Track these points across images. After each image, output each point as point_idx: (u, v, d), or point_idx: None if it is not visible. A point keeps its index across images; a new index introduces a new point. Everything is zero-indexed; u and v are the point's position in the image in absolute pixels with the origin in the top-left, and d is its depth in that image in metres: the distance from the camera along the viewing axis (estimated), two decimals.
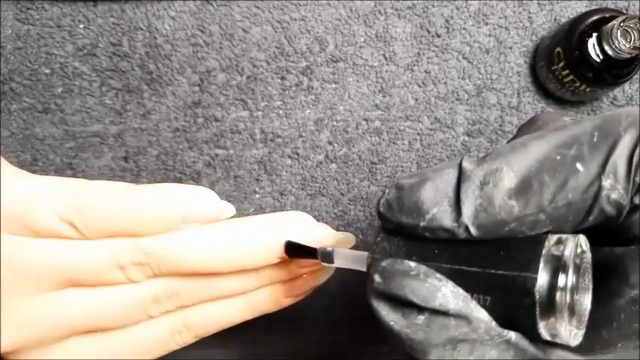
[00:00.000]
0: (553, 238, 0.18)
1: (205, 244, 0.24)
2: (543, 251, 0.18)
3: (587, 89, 0.33)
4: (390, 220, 0.20)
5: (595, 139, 0.18)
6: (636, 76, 0.35)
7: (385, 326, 0.18)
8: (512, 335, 0.18)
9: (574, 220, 0.18)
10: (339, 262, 0.24)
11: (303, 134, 0.36)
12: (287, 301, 0.27)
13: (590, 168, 0.18)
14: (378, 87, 0.36)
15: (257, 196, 0.36)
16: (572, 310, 0.18)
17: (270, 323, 0.38)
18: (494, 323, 0.18)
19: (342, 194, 0.36)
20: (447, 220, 0.19)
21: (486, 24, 0.36)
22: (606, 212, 0.18)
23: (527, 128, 0.23)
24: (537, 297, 0.18)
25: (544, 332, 0.18)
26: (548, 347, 0.19)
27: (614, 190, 0.18)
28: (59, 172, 0.35)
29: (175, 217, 0.23)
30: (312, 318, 0.38)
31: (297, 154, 0.36)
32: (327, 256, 0.24)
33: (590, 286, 0.19)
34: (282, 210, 0.37)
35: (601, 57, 0.32)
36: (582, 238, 0.19)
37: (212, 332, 0.26)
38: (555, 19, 0.36)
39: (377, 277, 0.19)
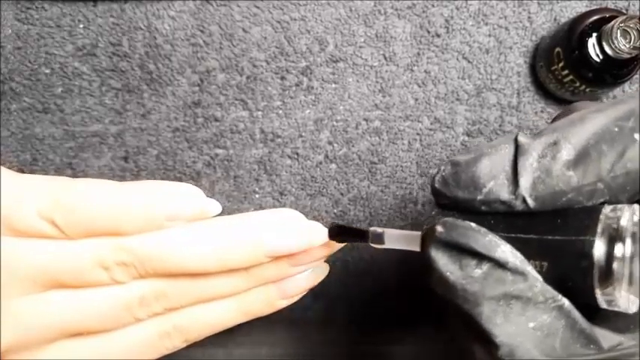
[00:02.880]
0: (609, 207, 0.19)
1: (191, 243, 0.23)
2: (601, 217, 0.18)
3: (587, 89, 0.33)
4: (446, 195, 0.20)
5: None
6: (636, 76, 0.35)
7: (441, 276, 0.18)
8: (566, 302, 0.18)
9: (631, 189, 0.18)
10: (389, 243, 0.23)
11: (303, 134, 0.36)
12: (280, 304, 0.27)
13: None
14: (377, 87, 0.36)
15: (257, 196, 0.36)
16: (630, 276, 0.18)
17: (270, 324, 0.38)
18: (549, 287, 0.18)
19: (342, 194, 0.36)
20: (504, 193, 0.19)
21: (486, 24, 0.36)
22: None
23: (564, 115, 0.23)
24: (595, 260, 0.18)
25: (601, 298, 0.18)
26: (596, 325, 0.19)
27: None
28: (59, 172, 0.35)
29: (159, 214, 0.23)
30: (312, 318, 0.38)
31: (297, 154, 0.36)
32: (378, 238, 0.23)
33: None
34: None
35: (601, 57, 0.32)
36: (638, 208, 0.19)
37: (203, 336, 0.26)
38: (555, 19, 0.36)
39: (440, 228, 0.19)
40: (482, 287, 0.18)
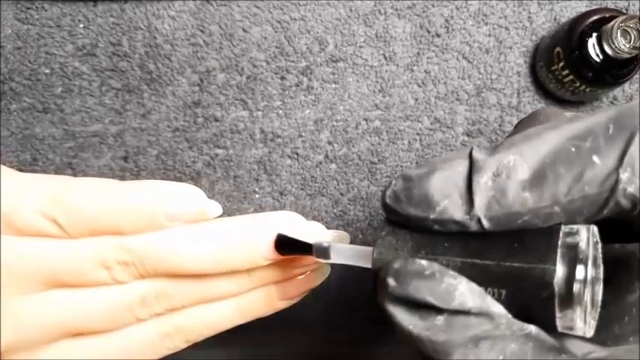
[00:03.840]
0: (567, 229, 0.18)
1: (191, 244, 0.23)
2: (559, 242, 0.18)
3: (587, 89, 0.33)
4: (397, 212, 0.19)
5: (610, 132, 0.18)
6: (636, 76, 0.35)
7: (403, 330, 0.18)
8: (532, 328, 0.18)
9: (588, 212, 0.18)
10: (336, 258, 0.23)
11: (303, 134, 0.36)
12: (281, 305, 0.27)
13: (607, 160, 0.17)
14: (377, 87, 0.36)
15: (257, 196, 0.36)
16: (590, 301, 0.18)
17: (269, 324, 0.38)
18: (512, 317, 0.18)
19: (342, 194, 0.36)
20: (458, 213, 0.18)
21: (486, 24, 0.36)
22: (621, 205, 0.18)
23: (527, 123, 0.22)
24: (556, 289, 0.17)
25: (560, 324, 0.18)
26: (564, 338, 0.18)
27: (630, 183, 0.17)
28: (59, 171, 0.35)
29: (160, 214, 0.22)
30: (311, 318, 0.38)
31: (297, 154, 0.36)
32: (323, 252, 0.22)
33: (601, 277, 0.19)
34: (282, 210, 0.37)
35: (601, 57, 0.32)
36: (595, 229, 0.18)
37: (204, 337, 0.26)
38: (555, 19, 0.36)
39: (391, 281, 0.18)
40: (448, 335, 0.17)
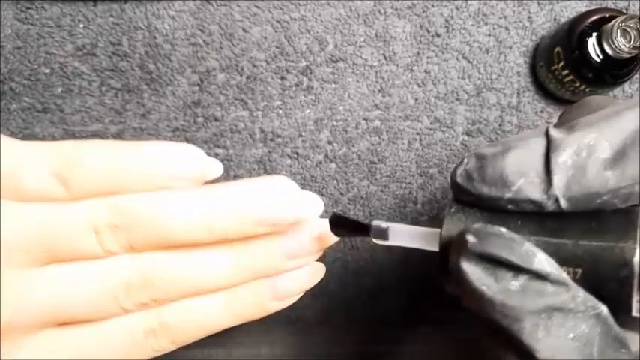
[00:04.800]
0: None
1: (181, 206, 0.22)
2: (639, 222, 0.17)
3: (587, 89, 0.33)
4: (469, 191, 0.19)
5: None
6: (636, 76, 0.35)
7: (475, 290, 0.17)
8: (604, 309, 0.17)
9: None
10: (396, 240, 0.22)
11: (303, 134, 0.36)
12: (273, 306, 0.26)
13: None
14: (377, 87, 0.36)
15: None
16: None
17: (269, 324, 0.38)
18: (590, 295, 0.17)
19: (342, 194, 0.36)
20: (535, 192, 0.18)
21: (486, 24, 0.36)
22: None
23: (578, 110, 0.22)
24: (637, 268, 0.17)
25: (636, 307, 0.17)
26: (624, 331, 0.18)
27: None
28: None
29: (162, 173, 0.22)
30: (311, 318, 0.38)
31: (297, 153, 0.36)
32: (382, 233, 0.22)
33: None
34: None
35: (601, 57, 0.32)
36: None
37: (191, 338, 0.25)
38: (555, 19, 0.36)
39: (471, 238, 0.17)
40: (522, 301, 0.17)
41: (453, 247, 0.18)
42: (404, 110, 0.36)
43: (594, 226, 0.18)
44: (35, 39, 0.34)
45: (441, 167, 0.36)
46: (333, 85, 0.36)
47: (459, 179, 0.19)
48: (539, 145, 0.18)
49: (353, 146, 0.36)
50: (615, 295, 0.17)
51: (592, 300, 0.17)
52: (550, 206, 0.18)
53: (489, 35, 0.36)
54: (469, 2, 0.36)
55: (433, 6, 0.36)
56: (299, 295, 0.26)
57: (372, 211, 0.37)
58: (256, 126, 0.36)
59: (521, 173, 0.18)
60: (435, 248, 0.20)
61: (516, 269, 0.17)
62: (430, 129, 0.36)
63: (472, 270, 0.17)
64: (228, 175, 0.36)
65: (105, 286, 0.22)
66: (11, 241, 0.21)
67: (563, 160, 0.18)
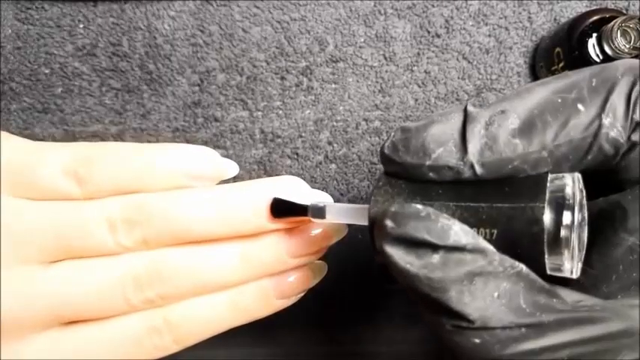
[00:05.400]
0: (553, 176, 0.19)
1: (198, 198, 0.23)
2: (548, 184, 0.19)
3: None
4: (395, 161, 0.20)
5: (594, 84, 0.19)
6: None
7: (400, 270, 0.18)
8: (522, 267, 0.18)
9: (574, 158, 0.19)
10: (332, 217, 0.23)
11: (303, 134, 0.36)
12: (278, 304, 0.26)
13: (591, 108, 0.19)
14: (377, 87, 0.36)
15: None
16: (577, 243, 0.19)
17: (270, 324, 0.38)
18: (506, 256, 0.18)
19: (342, 194, 0.36)
20: (452, 159, 0.19)
21: (486, 24, 0.36)
22: (604, 151, 0.19)
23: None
24: (545, 225, 0.18)
25: (549, 264, 0.19)
26: (554, 285, 0.19)
27: (612, 127, 0.19)
28: None
29: (179, 174, 0.23)
30: (311, 318, 0.38)
31: (297, 154, 0.36)
32: (319, 212, 0.23)
33: (586, 220, 0.20)
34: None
35: (601, 57, 0.32)
36: (579, 176, 0.20)
37: (195, 337, 0.25)
38: (555, 19, 0.36)
39: (389, 223, 0.19)
40: (444, 272, 0.18)
41: (375, 230, 0.20)
42: (404, 111, 0.36)
43: (507, 190, 0.19)
44: (35, 39, 0.34)
45: None
46: (333, 86, 0.36)
47: (386, 150, 0.21)
48: (457, 119, 0.20)
49: (353, 147, 0.36)
50: (529, 251, 0.19)
51: (509, 261, 0.18)
52: (466, 172, 0.19)
53: (489, 35, 0.36)
54: (469, 2, 0.36)
55: (433, 6, 0.36)
56: (302, 293, 0.27)
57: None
58: (256, 126, 0.36)
59: (440, 143, 0.20)
60: (366, 223, 0.22)
61: (434, 246, 0.18)
62: None
63: (394, 251, 0.18)
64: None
65: (113, 279, 0.23)
66: (22, 236, 0.21)
67: (477, 129, 0.19)
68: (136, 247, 0.23)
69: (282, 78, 0.35)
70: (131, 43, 0.35)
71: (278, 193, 0.24)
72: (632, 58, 0.32)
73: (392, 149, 0.20)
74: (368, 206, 0.21)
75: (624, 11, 0.35)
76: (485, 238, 0.19)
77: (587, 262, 0.21)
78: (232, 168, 0.24)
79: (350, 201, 0.36)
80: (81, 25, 0.35)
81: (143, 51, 0.35)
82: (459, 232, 0.18)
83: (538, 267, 0.19)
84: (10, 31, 0.34)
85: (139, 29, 0.35)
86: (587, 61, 0.32)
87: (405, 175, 0.20)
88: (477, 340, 0.18)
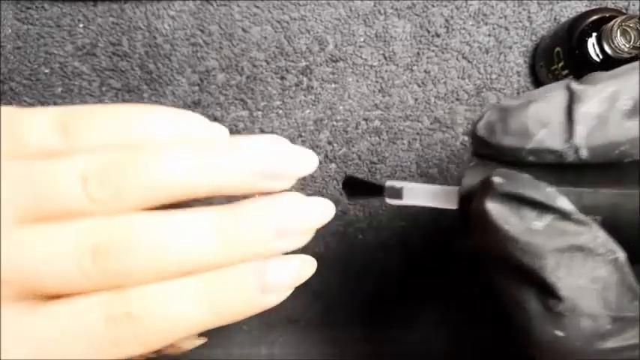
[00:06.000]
0: None
1: (181, 154, 0.20)
2: None
3: None
4: (490, 143, 0.19)
5: None
6: None
7: (499, 231, 0.17)
8: (622, 255, 0.17)
9: None
10: (411, 199, 0.22)
11: (303, 134, 0.36)
12: (260, 301, 0.22)
13: None
14: (377, 87, 0.36)
15: (256, 195, 0.36)
16: None
17: (270, 324, 0.38)
18: (609, 238, 0.17)
19: (342, 194, 0.36)
20: (557, 142, 0.18)
21: (486, 24, 0.36)
22: None
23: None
24: None
25: None
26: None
27: None
28: None
29: (163, 134, 0.21)
30: (311, 318, 0.38)
31: None
32: (396, 192, 0.21)
33: None
34: None
35: (601, 57, 0.32)
36: None
37: (161, 337, 0.21)
38: (555, 19, 0.36)
39: (498, 179, 0.17)
40: (545, 239, 0.17)
41: (477, 192, 0.18)
42: (404, 110, 0.36)
43: (613, 175, 0.18)
44: (35, 39, 0.34)
45: (441, 167, 0.36)
46: (333, 85, 0.36)
47: (480, 131, 0.19)
48: (561, 97, 0.18)
49: (353, 146, 0.36)
50: (632, 243, 0.18)
51: (611, 243, 0.17)
52: (571, 156, 0.18)
53: (489, 35, 0.36)
54: (469, 2, 0.36)
55: (433, 6, 0.36)
56: (288, 292, 0.23)
57: (371, 211, 0.37)
58: (256, 126, 0.36)
59: (543, 124, 0.18)
60: (453, 206, 0.20)
61: (541, 208, 0.17)
62: (430, 129, 0.36)
63: (497, 209, 0.17)
64: None
65: (71, 245, 0.20)
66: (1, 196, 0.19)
67: (585, 110, 0.18)
68: (108, 203, 0.20)
69: (282, 78, 0.35)
70: (131, 43, 0.35)
71: (265, 147, 0.22)
72: (631, 57, 0.32)
73: (487, 130, 0.19)
74: (456, 187, 0.20)
75: (624, 11, 0.35)
76: None
77: None
78: (222, 131, 0.22)
79: (350, 200, 0.36)
80: (81, 25, 0.35)
81: (143, 51, 0.35)
82: (566, 202, 0.17)
83: (636, 258, 0.18)
84: (10, 30, 0.34)
85: (139, 29, 0.35)
86: (587, 61, 0.32)
87: (501, 158, 0.19)
88: (561, 334, 0.17)
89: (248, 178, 0.21)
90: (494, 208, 0.17)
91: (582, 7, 0.36)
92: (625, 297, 0.17)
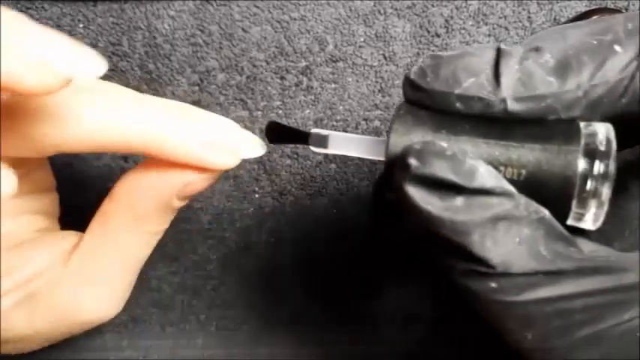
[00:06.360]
0: (586, 123, 0.19)
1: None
2: (582, 130, 0.18)
3: None
4: (421, 87, 0.19)
5: (630, 27, 0.19)
6: None
7: (421, 211, 0.18)
8: (546, 212, 0.18)
9: (608, 102, 0.19)
10: (336, 149, 0.22)
11: None
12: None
13: (628, 49, 0.19)
14: (377, 87, 0.36)
15: (256, 195, 0.36)
16: (605, 192, 0.18)
17: (270, 324, 0.38)
18: (531, 200, 0.18)
19: (342, 194, 0.36)
20: (484, 90, 0.19)
21: (486, 24, 0.36)
22: (639, 95, 0.19)
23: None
24: (579, 170, 0.18)
25: (573, 212, 0.18)
26: (572, 234, 0.19)
27: None
28: (58, 172, 0.35)
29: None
30: (310, 318, 0.38)
31: (297, 154, 0.36)
32: (321, 140, 0.22)
33: (614, 175, 0.19)
34: (283, 210, 0.37)
35: None
36: (611, 127, 0.19)
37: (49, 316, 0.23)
38: (555, 19, 0.36)
39: (413, 161, 0.18)
40: (467, 215, 0.17)
41: (396, 168, 0.19)
42: None
43: (540, 131, 0.19)
44: None
45: None
46: (333, 85, 0.36)
47: (412, 75, 0.20)
48: (490, 54, 0.19)
49: None
50: (557, 195, 0.18)
51: (534, 205, 0.18)
52: (497, 106, 0.19)
53: (489, 35, 0.36)
54: (469, 2, 0.36)
55: (433, 6, 0.36)
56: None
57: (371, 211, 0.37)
58: (256, 126, 0.36)
59: (472, 73, 0.19)
60: (380, 157, 0.20)
61: (459, 188, 0.17)
62: None
63: (416, 192, 0.18)
64: (229, 175, 0.36)
65: None
66: None
67: (511, 64, 0.19)
68: None
69: (282, 78, 0.36)
70: (131, 43, 0.35)
71: (220, 125, 0.23)
72: None
73: (419, 75, 0.20)
74: (382, 139, 0.20)
75: (624, 11, 0.36)
76: (512, 178, 0.18)
77: None
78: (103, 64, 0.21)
79: (350, 201, 0.36)
80: (81, 25, 0.35)
81: (143, 51, 0.35)
82: (485, 175, 0.17)
83: (560, 214, 0.18)
84: None
85: (139, 29, 0.35)
86: None
87: (430, 103, 0.20)
88: (494, 285, 0.18)
89: (193, 146, 0.22)
90: (412, 190, 0.18)
91: (582, 7, 0.36)
92: (558, 245, 0.18)
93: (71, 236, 0.26)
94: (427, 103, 0.20)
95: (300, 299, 0.37)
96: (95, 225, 0.24)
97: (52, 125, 0.21)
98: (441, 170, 0.17)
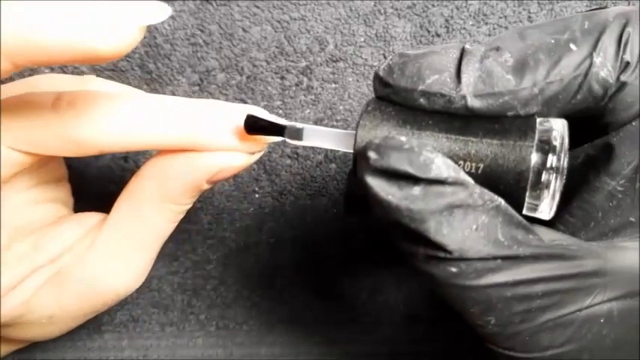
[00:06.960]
0: (541, 119, 0.20)
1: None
2: (537, 126, 0.19)
3: None
4: (388, 83, 0.21)
5: (586, 26, 0.20)
6: None
7: (381, 201, 0.19)
8: (502, 202, 0.19)
9: (563, 98, 0.20)
10: (310, 141, 0.23)
11: None
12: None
13: (583, 47, 0.20)
14: None
15: (257, 196, 0.36)
16: (557, 185, 0.19)
17: (270, 324, 0.38)
18: (486, 190, 0.19)
19: (342, 194, 0.36)
20: (445, 87, 0.20)
21: (486, 24, 0.36)
22: (594, 91, 0.20)
23: None
24: (532, 164, 0.19)
25: (527, 203, 0.20)
26: (532, 224, 0.20)
27: (603, 67, 0.20)
28: None
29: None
30: (311, 318, 0.38)
31: (297, 153, 0.36)
32: (296, 133, 0.23)
33: (567, 167, 0.20)
34: (283, 210, 0.37)
35: None
36: (565, 122, 0.20)
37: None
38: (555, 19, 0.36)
39: (372, 154, 0.19)
40: (424, 204, 0.18)
41: (358, 161, 0.20)
42: None
43: (497, 127, 0.20)
44: None
45: None
46: (333, 85, 0.36)
47: (380, 72, 0.21)
48: (455, 53, 0.20)
49: None
50: (511, 189, 0.19)
51: (489, 194, 0.19)
52: (458, 102, 0.20)
53: (489, 35, 0.36)
54: (469, 2, 0.36)
55: (433, 6, 0.36)
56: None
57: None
58: None
59: (435, 70, 0.20)
60: (350, 150, 0.22)
61: (416, 179, 0.18)
62: None
63: (376, 183, 0.19)
64: None
65: None
66: None
67: (472, 62, 0.20)
68: None
69: (282, 77, 0.36)
70: None
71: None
72: None
73: (387, 72, 0.21)
74: (353, 132, 0.21)
75: None
76: (470, 171, 0.20)
77: (567, 211, 0.22)
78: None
79: None
80: None
81: (143, 50, 0.35)
82: (441, 166, 0.18)
83: (515, 205, 0.19)
84: None
85: None
86: None
87: (396, 99, 0.21)
88: (454, 270, 0.19)
89: (224, 134, 0.23)
90: (373, 181, 0.19)
91: (582, 7, 0.36)
92: (516, 232, 0.19)
93: (94, 215, 0.27)
94: (394, 98, 0.21)
95: (300, 299, 0.37)
96: (121, 202, 0.25)
97: (96, 129, 0.22)
98: (398, 162, 0.18)
